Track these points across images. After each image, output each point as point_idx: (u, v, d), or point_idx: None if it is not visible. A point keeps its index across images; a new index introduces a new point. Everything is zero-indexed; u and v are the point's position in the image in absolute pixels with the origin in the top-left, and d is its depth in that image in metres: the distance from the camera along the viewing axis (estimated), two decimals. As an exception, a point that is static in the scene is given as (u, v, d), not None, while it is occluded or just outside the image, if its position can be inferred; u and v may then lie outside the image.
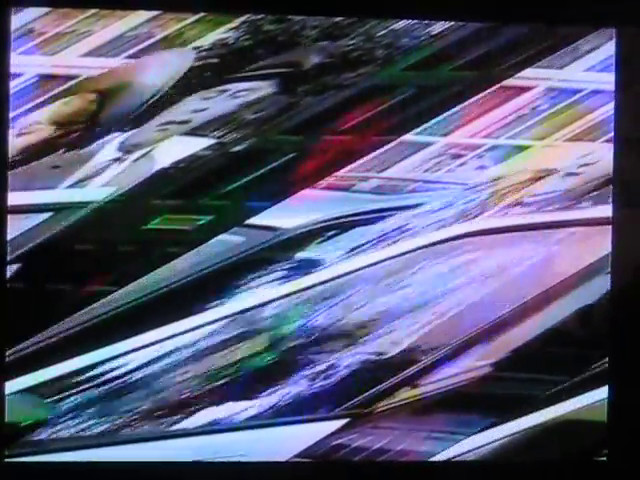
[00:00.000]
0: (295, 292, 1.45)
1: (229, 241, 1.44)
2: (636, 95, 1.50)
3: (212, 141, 1.43)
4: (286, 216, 1.45)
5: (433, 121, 1.46)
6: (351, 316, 1.46)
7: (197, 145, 1.43)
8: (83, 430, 1.43)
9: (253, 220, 1.44)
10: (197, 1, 1.42)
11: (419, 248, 1.47)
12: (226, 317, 1.44)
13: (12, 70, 1.40)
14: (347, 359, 1.46)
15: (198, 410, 1.45)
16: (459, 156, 1.47)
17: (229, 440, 1.46)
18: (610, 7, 1.47)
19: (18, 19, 1.39)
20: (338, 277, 1.46)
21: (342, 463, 1.48)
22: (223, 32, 1.43)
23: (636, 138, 1.50)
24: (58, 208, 1.41)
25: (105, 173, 1.41)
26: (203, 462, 1.46)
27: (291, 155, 1.44)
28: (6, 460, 1.43)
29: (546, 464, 1.50)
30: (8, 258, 1.40)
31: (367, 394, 1.47)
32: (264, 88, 1.43)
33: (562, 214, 1.49)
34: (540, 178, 1.48)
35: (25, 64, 1.40)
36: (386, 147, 1.46)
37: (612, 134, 1.49)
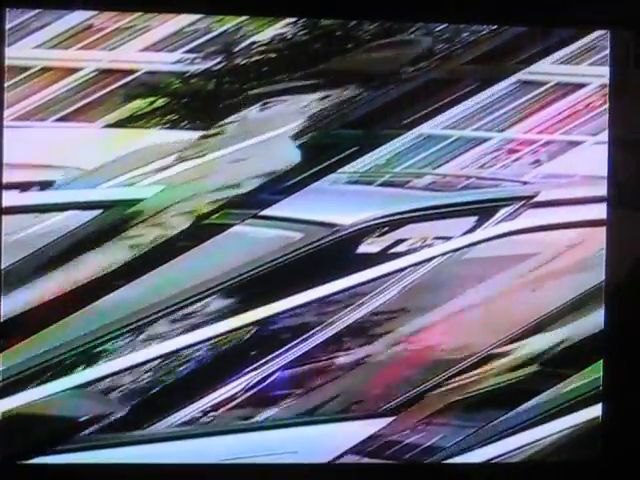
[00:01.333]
0: (351, 287, 1.45)
1: (288, 237, 1.43)
2: (631, 96, 1.50)
3: (268, 135, 1.43)
4: (344, 212, 1.44)
5: (490, 117, 1.47)
6: (405, 311, 1.46)
7: (254, 140, 1.43)
8: (119, 428, 1.43)
9: (310, 216, 1.44)
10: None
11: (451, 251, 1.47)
12: (281, 313, 1.44)
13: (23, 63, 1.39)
14: (394, 356, 1.46)
15: (240, 407, 1.45)
16: (514, 151, 1.47)
17: (270, 439, 1.45)
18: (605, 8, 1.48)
19: (77, 16, 1.40)
20: (392, 273, 1.46)
21: (384, 464, 1.47)
22: (280, 27, 1.43)
23: (632, 140, 1.50)
24: (108, 205, 1.41)
25: (164, 170, 1.42)
26: (240, 463, 1.45)
27: (350, 150, 1.44)
28: (18, 462, 1.42)
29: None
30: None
31: (413, 392, 1.47)
32: (322, 83, 1.44)
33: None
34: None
35: (85, 59, 1.40)
36: (444, 142, 1.46)
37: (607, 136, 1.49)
